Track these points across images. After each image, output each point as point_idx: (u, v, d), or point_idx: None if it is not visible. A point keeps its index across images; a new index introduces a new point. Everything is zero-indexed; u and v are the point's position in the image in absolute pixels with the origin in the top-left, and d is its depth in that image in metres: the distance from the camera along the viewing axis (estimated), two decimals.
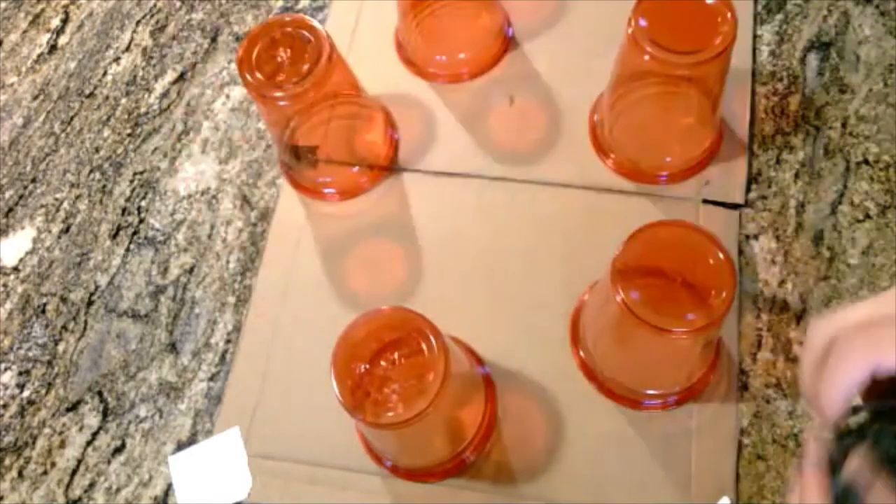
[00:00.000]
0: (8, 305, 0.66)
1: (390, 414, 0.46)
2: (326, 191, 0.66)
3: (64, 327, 0.64)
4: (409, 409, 0.45)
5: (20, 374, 0.63)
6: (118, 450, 0.60)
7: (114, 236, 0.67)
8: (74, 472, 0.60)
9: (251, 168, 0.68)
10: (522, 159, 0.65)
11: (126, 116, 0.73)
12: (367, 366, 0.48)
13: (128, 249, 0.67)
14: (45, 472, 0.60)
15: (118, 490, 0.59)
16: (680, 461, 0.54)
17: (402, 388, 0.47)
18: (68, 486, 0.59)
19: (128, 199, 0.69)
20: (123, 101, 0.73)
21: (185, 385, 0.61)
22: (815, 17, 0.68)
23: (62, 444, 0.61)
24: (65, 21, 0.79)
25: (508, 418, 0.57)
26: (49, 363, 0.63)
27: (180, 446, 0.59)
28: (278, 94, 0.55)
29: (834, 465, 0.31)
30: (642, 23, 0.53)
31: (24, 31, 0.79)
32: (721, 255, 0.47)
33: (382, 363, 0.48)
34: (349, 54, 0.70)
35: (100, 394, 0.62)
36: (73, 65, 0.76)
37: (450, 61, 0.68)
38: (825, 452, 0.31)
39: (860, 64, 0.65)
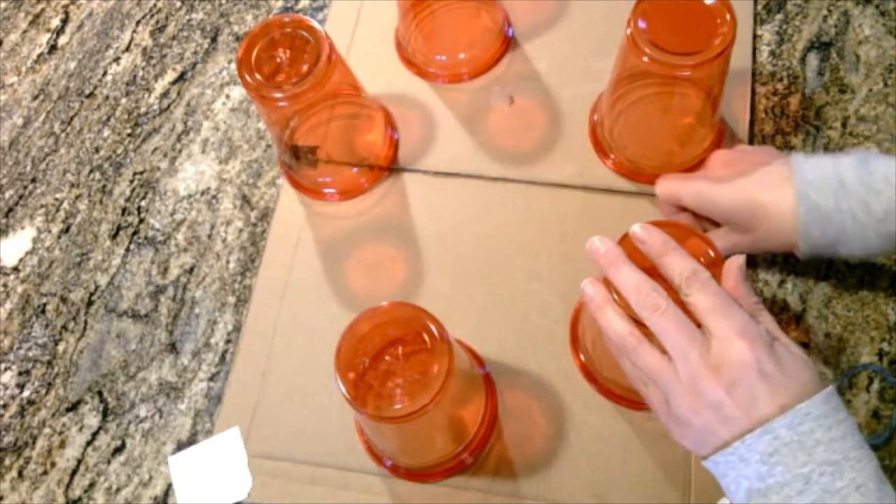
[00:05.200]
0: (8, 305, 0.66)
1: (396, 406, 0.46)
2: (326, 191, 0.66)
3: (64, 327, 0.64)
4: (413, 402, 0.45)
5: (20, 374, 0.63)
6: (118, 450, 0.60)
7: (114, 236, 0.67)
8: (74, 472, 0.60)
9: (251, 168, 0.68)
10: (522, 159, 0.65)
11: (126, 116, 0.73)
12: (371, 360, 0.48)
13: (128, 249, 0.67)
14: (45, 472, 0.60)
15: (118, 490, 0.59)
16: (680, 461, 0.54)
17: (406, 383, 0.47)
18: (68, 486, 0.59)
19: (128, 199, 0.69)
20: (123, 101, 0.73)
21: (185, 385, 0.61)
22: (815, 17, 0.68)
23: (62, 444, 0.61)
24: (65, 21, 0.79)
25: (508, 418, 0.57)
26: (49, 363, 0.63)
27: (180, 446, 0.59)
28: (278, 94, 0.55)
29: None
30: (641, 24, 0.53)
31: (24, 31, 0.79)
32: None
33: (386, 358, 0.48)
34: (349, 54, 0.70)
35: (100, 394, 0.62)
36: (73, 65, 0.76)
37: (450, 61, 0.68)
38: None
39: (860, 64, 0.65)
